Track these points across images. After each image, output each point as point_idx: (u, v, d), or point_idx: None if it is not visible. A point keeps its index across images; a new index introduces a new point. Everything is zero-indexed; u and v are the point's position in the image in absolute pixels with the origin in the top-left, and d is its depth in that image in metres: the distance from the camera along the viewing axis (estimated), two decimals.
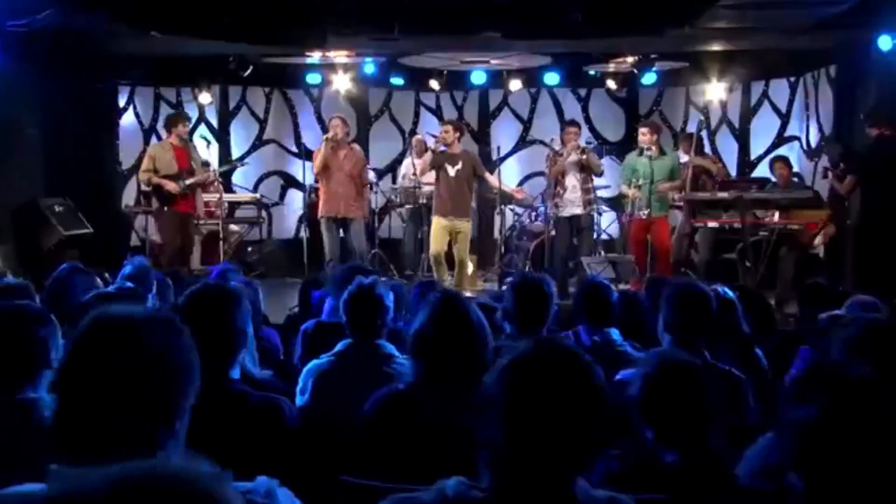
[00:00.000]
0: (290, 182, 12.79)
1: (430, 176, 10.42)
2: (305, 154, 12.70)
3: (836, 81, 9.72)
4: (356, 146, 9.35)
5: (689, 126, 11.86)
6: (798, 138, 10.87)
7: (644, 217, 8.96)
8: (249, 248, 11.62)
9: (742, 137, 11.51)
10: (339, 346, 3.49)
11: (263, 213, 11.87)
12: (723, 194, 8.97)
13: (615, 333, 4.17)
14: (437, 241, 9.16)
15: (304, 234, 12.58)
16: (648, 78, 11.41)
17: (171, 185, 8.89)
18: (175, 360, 1.62)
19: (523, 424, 1.60)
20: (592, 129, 12.42)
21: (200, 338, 1.73)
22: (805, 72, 10.60)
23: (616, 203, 10.79)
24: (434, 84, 11.79)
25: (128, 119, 11.61)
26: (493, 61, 10.95)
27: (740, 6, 7.27)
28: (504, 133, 12.68)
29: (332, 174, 9.07)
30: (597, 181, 9.60)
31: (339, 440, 2.85)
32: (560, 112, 12.53)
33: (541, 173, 12.43)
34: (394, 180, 12.42)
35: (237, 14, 7.43)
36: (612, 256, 8.56)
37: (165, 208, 8.95)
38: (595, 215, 9.58)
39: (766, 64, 10.62)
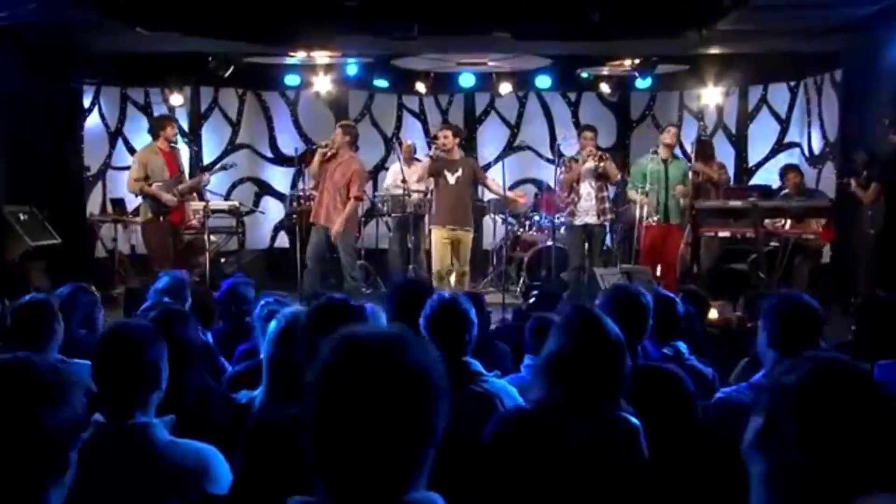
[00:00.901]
0: (264, 189, 12.29)
1: (421, 182, 10.09)
2: (281, 160, 12.32)
3: (842, 86, 9.55)
4: (355, 159, 8.90)
5: (686, 132, 11.65)
6: (798, 145, 10.69)
7: (655, 223, 8.70)
8: (224, 260, 11.07)
9: (739, 143, 11.30)
10: None
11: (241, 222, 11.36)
12: (735, 203, 8.74)
13: (683, 346, 4.07)
14: (440, 256, 8.81)
15: (282, 243, 12.18)
16: (643, 82, 11.17)
17: (167, 197, 8.48)
18: (435, 380, 1.51)
19: (822, 448, 1.51)
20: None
21: None
22: (806, 76, 10.43)
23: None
24: (420, 87, 11.39)
25: (92, 121, 11.00)
26: (490, 63, 10.58)
27: (762, 7, 7.01)
28: (491, 138, 12.36)
29: (321, 183, 8.79)
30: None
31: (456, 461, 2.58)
32: (549, 117, 12.24)
33: (530, 180, 12.17)
34: (375, 187, 12.02)
35: (238, 10, 6.96)
36: (627, 267, 8.24)
37: (161, 218, 8.50)
38: (608, 225, 9.29)
39: (765, 68, 10.44)
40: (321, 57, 10.75)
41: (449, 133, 9.00)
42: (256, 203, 12.14)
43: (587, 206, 8.97)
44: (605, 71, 11.21)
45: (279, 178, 12.29)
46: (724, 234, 8.97)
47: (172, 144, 8.83)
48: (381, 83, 11.52)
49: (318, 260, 8.88)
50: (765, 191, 10.49)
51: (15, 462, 1.58)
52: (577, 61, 10.55)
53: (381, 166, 12.22)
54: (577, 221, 9.01)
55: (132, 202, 10.19)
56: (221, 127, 11.97)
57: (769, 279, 8.45)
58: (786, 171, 9.17)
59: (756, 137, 11.23)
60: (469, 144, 12.22)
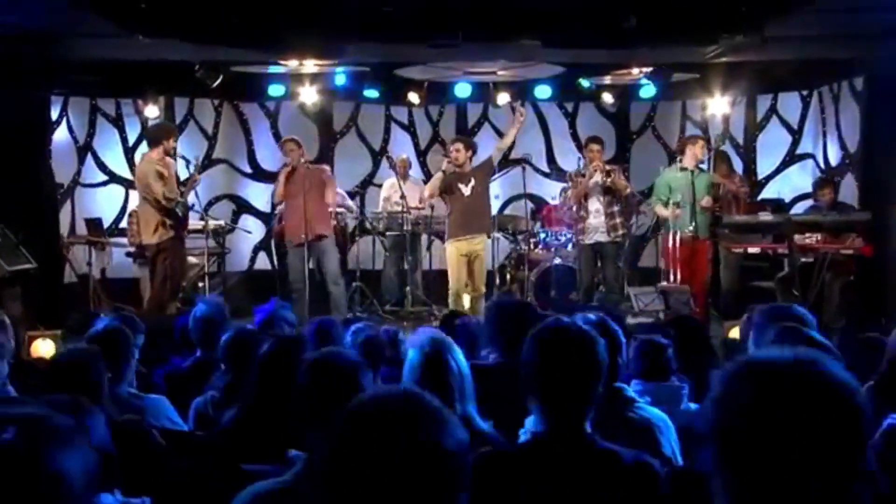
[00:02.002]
0: (242, 207, 11.68)
1: (423, 201, 9.70)
2: (261, 175, 11.73)
3: (863, 95, 9.36)
4: (320, 166, 9.18)
5: None
6: (812, 156, 10.48)
7: (689, 236, 8.40)
8: (200, 284, 10.42)
9: (747, 155, 11.05)
10: None
11: (220, 243, 10.73)
12: (766, 217, 8.50)
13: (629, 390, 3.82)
14: (456, 273, 8.40)
15: (263, 265, 11.58)
16: (647, 91, 10.88)
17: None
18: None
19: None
20: (580, 148, 11.79)
21: None
22: (820, 84, 10.23)
23: None
24: (413, 97, 10.92)
25: (60, 134, 10.28)
26: (499, 72, 10.17)
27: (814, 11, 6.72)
28: (484, 151, 11.89)
29: (293, 199, 8.78)
30: None
31: None
32: (545, 128, 11.87)
33: (526, 195, 11.75)
34: (363, 202, 11.52)
35: (253, 16, 6.43)
36: (664, 286, 7.91)
37: (178, 238, 8.23)
38: (620, 242, 8.95)
39: (775, 76, 10.19)
40: (309, 66, 10.23)
41: (461, 146, 8.71)
42: (234, 222, 11.52)
43: (596, 224, 8.70)
44: (607, 80, 10.90)
45: (259, 194, 11.69)
46: (753, 250, 8.74)
47: (171, 156, 8.43)
48: (371, 93, 11.03)
49: (306, 284, 8.72)
50: (778, 205, 10.30)
51: None
52: (589, 70, 10.18)
53: (370, 181, 11.71)
54: (587, 240, 8.73)
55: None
56: (197, 140, 11.30)
57: (803, 297, 8.18)
58: (821, 185, 8.89)
59: (765, 149, 10.98)
60: None
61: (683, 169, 8.77)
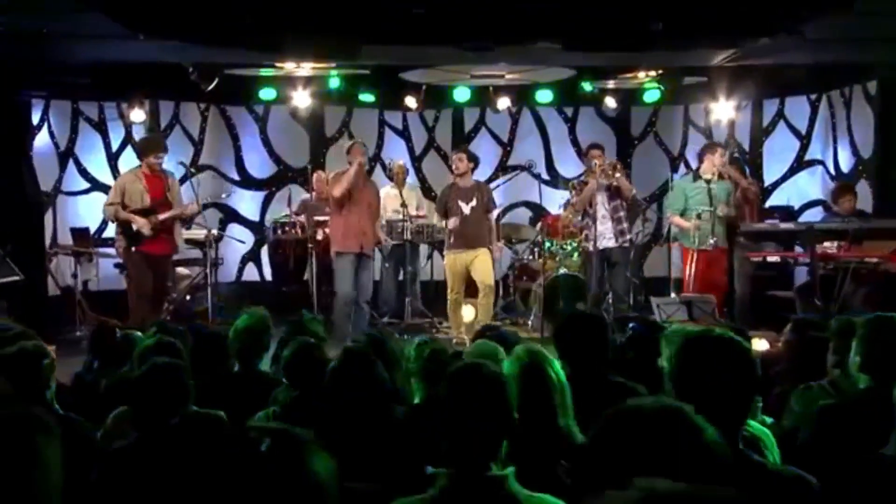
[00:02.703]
0: (230, 216, 11.30)
1: (412, 206, 9.64)
2: (249, 183, 11.39)
3: (877, 99, 9.25)
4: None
5: (692, 149, 11.24)
6: (822, 162, 10.36)
7: (711, 248, 8.24)
8: (189, 297, 10.04)
9: (753, 161, 10.90)
10: None
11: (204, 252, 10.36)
12: (787, 225, 8.36)
13: None
14: (454, 282, 8.45)
15: (251, 276, 11.23)
16: (651, 95, 10.72)
17: (140, 222, 7.86)
18: None
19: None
20: (580, 154, 11.59)
21: None
22: (830, 88, 10.11)
23: None
24: (410, 101, 10.65)
25: (41, 140, 9.86)
26: (507, 75, 9.92)
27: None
28: (482, 158, 11.65)
29: (351, 206, 8.31)
30: None
31: None
32: (545, 134, 11.65)
33: (524, 203, 11.57)
34: None
35: (271, 17, 6.13)
36: (688, 296, 7.71)
37: (133, 248, 7.87)
38: (628, 248, 8.78)
39: (782, 80, 10.03)
40: (303, 69, 9.93)
41: (463, 156, 8.74)
42: (222, 230, 11.14)
43: (603, 229, 8.58)
44: (610, 84, 10.71)
45: (247, 202, 11.35)
46: (772, 258, 8.58)
47: (161, 169, 8.20)
48: (367, 97, 10.75)
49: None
50: (787, 212, 10.18)
51: None
52: (598, 73, 9.98)
53: None
54: (594, 246, 8.55)
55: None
56: (183, 146, 10.92)
57: (825, 307, 8.03)
58: (842, 191, 8.69)
59: (772, 155, 10.82)
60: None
61: (698, 178, 8.62)
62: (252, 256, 11.31)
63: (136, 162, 8.51)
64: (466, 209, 8.47)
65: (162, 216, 7.97)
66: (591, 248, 8.66)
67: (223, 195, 9.80)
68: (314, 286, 9.38)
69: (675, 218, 8.59)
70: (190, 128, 11.07)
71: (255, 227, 11.26)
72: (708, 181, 8.40)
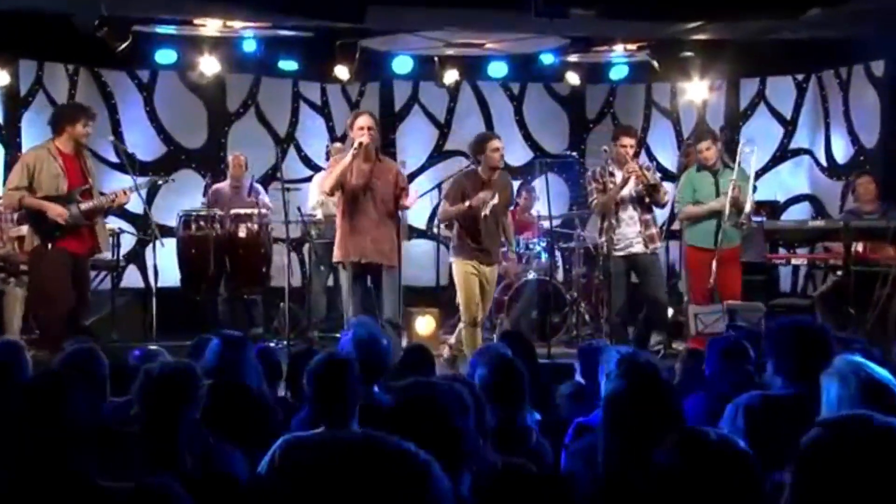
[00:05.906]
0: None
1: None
2: (132, 166, 9.67)
3: (885, 81, 8.63)
4: (387, 159, 6.94)
5: (658, 135, 10.41)
6: (810, 151, 9.69)
7: (727, 247, 7.36)
8: None
9: (728, 149, 10.11)
10: None
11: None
12: (817, 223, 7.58)
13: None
14: (471, 296, 6.89)
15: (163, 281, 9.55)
16: (619, 71, 9.84)
17: (56, 212, 6.43)
18: None
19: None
20: (527, 137, 10.54)
21: None
22: (819, 68, 9.44)
23: None
24: (342, 71, 9.30)
25: None
26: (489, 45, 8.76)
27: None
28: (414, 140, 10.42)
29: (355, 201, 6.58)
30: None
31: None
32: (487, 114, 10.49)
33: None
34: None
35: None
36: (734, 304, 6.80)
37: (49, 245, 6.54)
38: (658, 255, 7.79)
39: (762, 57, 9.28)
40: (212, 28, 8.43)
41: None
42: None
43: (631, 233, 7.47)
44: (573, 58, 9.72)
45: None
46: (797, 261, 7.81)
47: (81, 146, 6.80)
48: (289, 65, 9.33)
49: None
50: (772, 206, 9.50)
51: None
52: (578, 45, 9.01)
53: (272, 175, 9.82)
54: (619, 252, 7.45)
55: None
56: (46, 116, 9.11)
57: (857, 315, 7.30)
58: (859, 179, 8.01)
59: (751, 142, 10.09)
60: (386, 148, 10.24)
61: (702, 168, 7.75)
62: (134, 257, 9.63)
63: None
64: (486, 209, 6.87)
65: (87, 205, 6.57)
66: (614, 253, 7.52)
67: (159, 181, 8.16)
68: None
69: (687, 208, 7.64)
70: (56, 94, 9.28)
71: (139, 223, 9.52)
72: (714, 172, 7.55)
